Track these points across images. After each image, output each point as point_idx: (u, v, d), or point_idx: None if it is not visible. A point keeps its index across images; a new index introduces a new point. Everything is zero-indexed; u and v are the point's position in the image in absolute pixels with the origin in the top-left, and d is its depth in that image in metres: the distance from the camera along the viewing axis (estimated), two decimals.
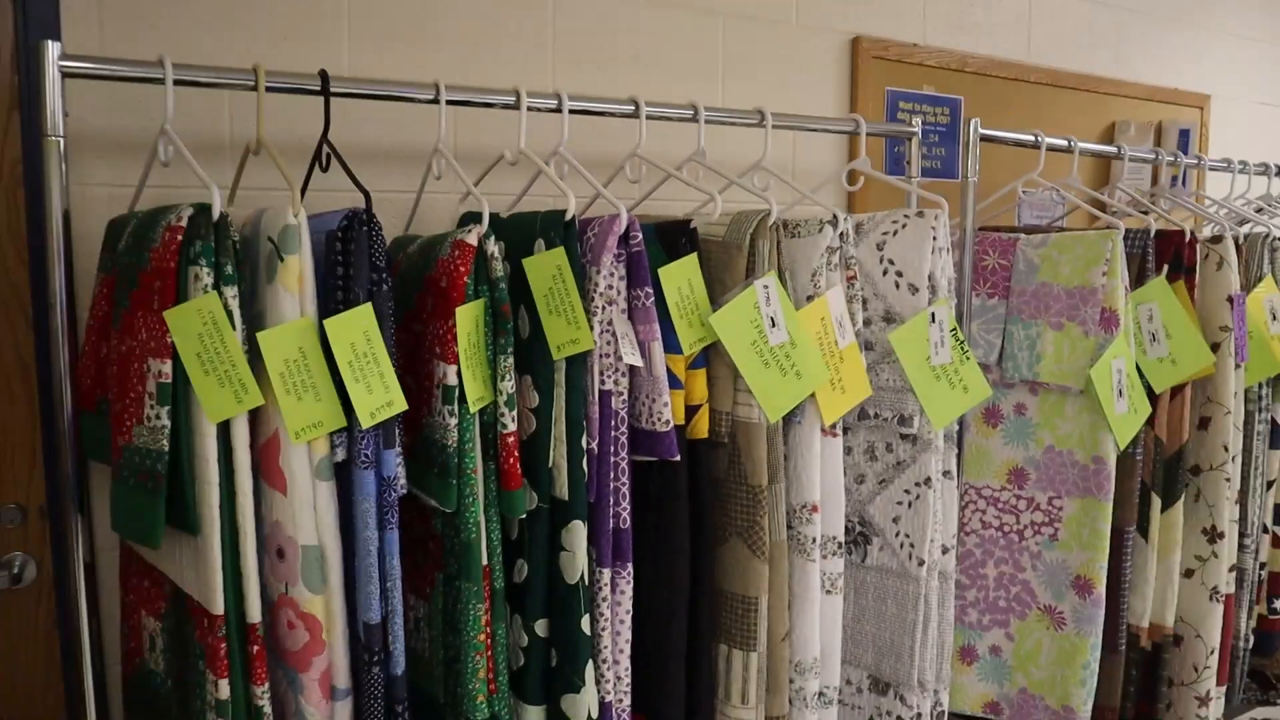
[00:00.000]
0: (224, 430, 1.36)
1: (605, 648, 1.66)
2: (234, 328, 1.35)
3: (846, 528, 2.10)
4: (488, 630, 1.56)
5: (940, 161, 2.63)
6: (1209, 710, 2.46)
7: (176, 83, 1.44)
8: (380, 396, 1.42)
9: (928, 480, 1.95)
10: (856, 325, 1.82)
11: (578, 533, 1.59)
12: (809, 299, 1.74)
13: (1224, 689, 2.54)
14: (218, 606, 1.35)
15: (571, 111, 1.75)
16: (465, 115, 1.99)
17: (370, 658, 1.46)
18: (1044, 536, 2.27)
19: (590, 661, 1.62)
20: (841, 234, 1.77)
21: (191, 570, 1.40)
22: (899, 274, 1.92)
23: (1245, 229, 2.54)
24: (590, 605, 1.63)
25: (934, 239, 1.90)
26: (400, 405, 1.44)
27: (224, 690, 1.38)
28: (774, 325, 1.67)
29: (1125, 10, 3.11)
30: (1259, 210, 2.77)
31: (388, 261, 1.46)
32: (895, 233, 1.92)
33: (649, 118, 1.82)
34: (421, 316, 1.56)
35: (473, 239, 1.50)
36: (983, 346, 2.29)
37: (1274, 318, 2.41)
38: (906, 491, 1.98)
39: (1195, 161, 2.67)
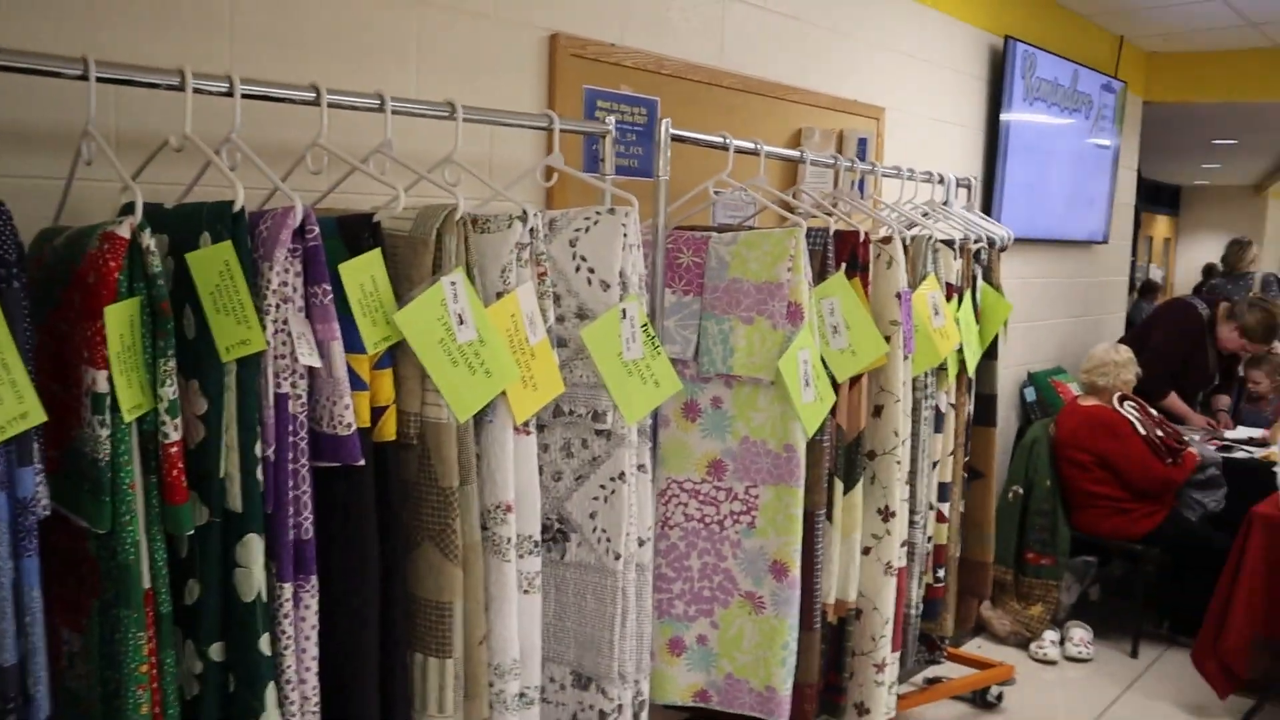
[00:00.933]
0: None
1: (289, 668, 1.55)
2: None
3: (545, 525, 2.09)
4: (152, 660, 1.42)
5: (637, 160, 2.68)
6: (885, 675, 2.65)
7: None
8: (12, 407, 1.26)
9: (622, 475, 1.97)
10: (549, 322, 1.81)
11: (254, 547, 1.48)
12: (499, 295, 1.70)
13: (898, 654, 2.75)
14: None
15: (245, 96, 1.63)
16: (129, 96, 1.81)
17: (5, 705, 1.30)
18: (743, 525, 2.36)
19: (272, 684, 1.52)
20: (532, 230, 1.75)
21: None
22: (591, 270, 1.92)
23: (914, 231, 2.75)
24: (270, 624, 1.52)
25: (625, 236, 1.93)
26: (38, 416, 1.28)
27: None
28: (462, 322, 1.63)
29: (811, 24, 3.30)
30: (925, 214, 3.01)
31: (20, 254, 1.30)
32: (588, 229, 1.93)
33: (332, 106, 1.73)
34: (69, 316, 1.41)
35: (124, 231, 1.37)
36: (679, 342, 2.35)
37: (936, 313, 2.63)
38: (602, 487, 2.00)
39: (871, 168, 2.87)
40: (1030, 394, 4.83)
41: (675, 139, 2.30)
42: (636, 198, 1.96)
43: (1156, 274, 14.07)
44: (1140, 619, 4.16)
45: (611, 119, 2.22)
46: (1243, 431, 4.87)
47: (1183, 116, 7.59)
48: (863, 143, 3.42)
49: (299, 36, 2.06)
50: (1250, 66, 5.81)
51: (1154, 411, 4.22)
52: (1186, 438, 4.29)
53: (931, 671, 3.72)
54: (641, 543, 2.10)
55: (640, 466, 2.06)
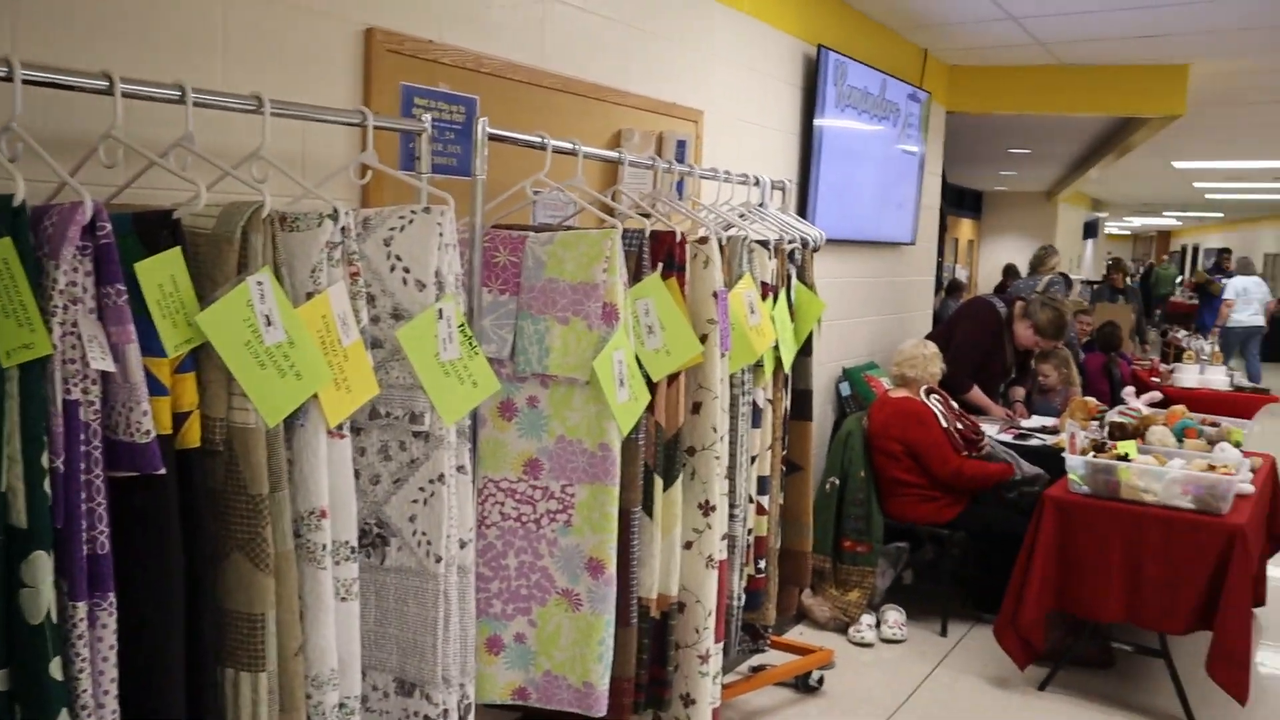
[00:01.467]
0: None
1: (85, 692, 1.47)
2: None
3: (364, 530, 2.05)
4: None
5: (456, 159, 2.65)
6: (709, 666, 2.71)
7: None
8: None
9: (441, 477, 1.95)
10: (362, 322, 1.77)
11: (41, 564, 1.40)
12: (309, 296, 1.66)
13: (722, 645, 2.82)
14: None
15: (28, 82, 1.53)
16: None
17: None
18: (559, 523, 2.37)
19: (65, 710, 1.43)
20: (343, 229, 1.71)
21: None
22: (406, 270, 1.90)
23: (730, 232, 2.83)
24: (62, 646, 1.44)
25: (441, 235, 1.91)
26: None
27: None
28: (270, 324, 1.58)
29: (633, 28, 3.34)
30: (741, 216, 3.10)
31: None
32: (402, 228, 1.90)
33: (127, 96, 1.64)
34: None
35: None
36: (495, 342, 2.34)
37: (752, 311, 2.70)
38: (421, 489, 1.97)
39: (689, 170, 2.93)
40: (845, 388, 5.03)
41: (493, 138, 2.29)
42: (454, 197, 1.94)
43: (962, 274, 14.89)
44: (948, 600, 4.39)
45: (428, 117, 2.19)
46: (1037, 420, 5.21)
47: (982, 126, 8.07)
48: (681, 145, 3.49)
49: (93, 18, 1.95)
50: (1039, 82, 6.23)
51: (956, 405, 4.46)
52: (987, 435, 4.55)
53: (756, 660, 3.82)
54: (463, 544, 2.09)
55: (460, 468, 2.04)
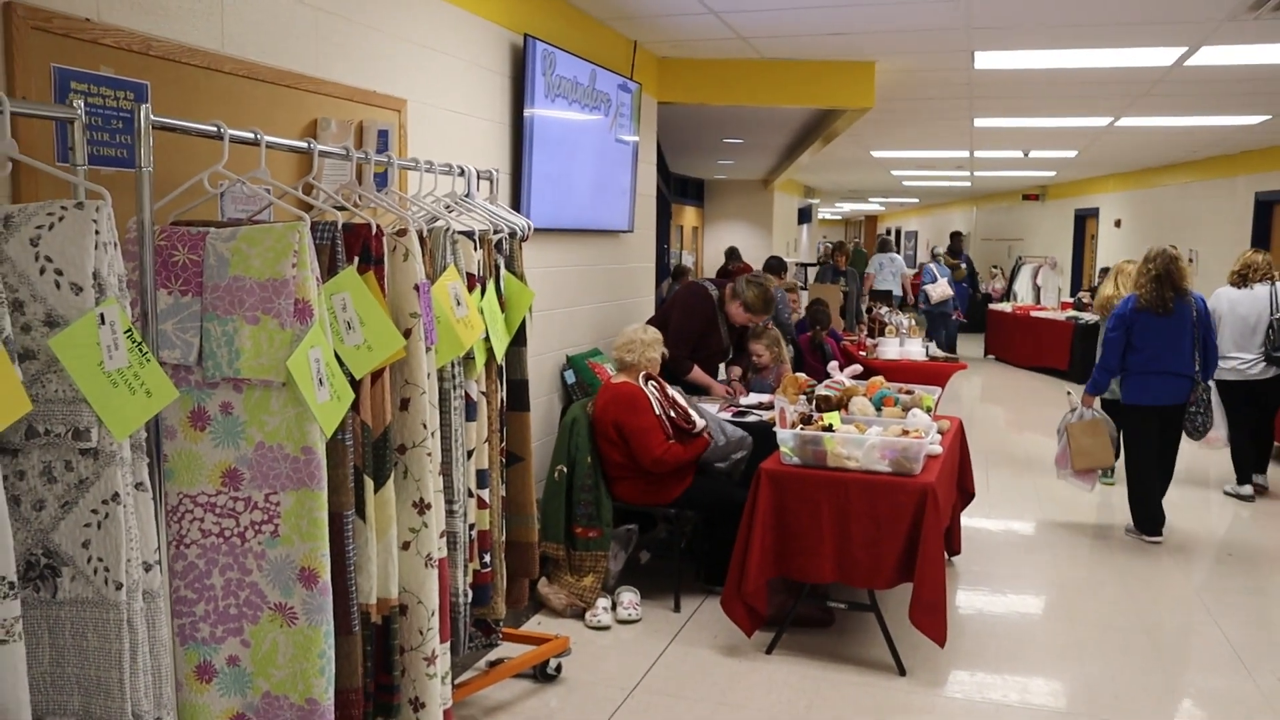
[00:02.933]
0: None
1: None
2: None
3: (30, 562, 1.85)
4: None
5: (126, 150, 2.43)
6: (436, 667, 2.65)
7: None
8: None
9: (116, 496, 1.79)
10: (5, 332, 1.59)
11: None
12: None
13: (448, 644, 2.76)
14: None
15: None
16: None
17: None
18: (266, 535, 2.23)
19: None
20: None
21: None
22: (59, 272, 1.72)
23: (440, 224, 2.77)
24: None
25: (97, 233, 1.74)
26: None
27: None
28: None
29: (325, 12, 3.19)
30: (447, 207, 3.04)
31: None
32: (51, 226, 1.72)
33: None
34: None
35: None
36: (180, 346, 2.18)
37: (458, 303, 2.66)
38: (94, 512, 1.80)
39: (386, 160, 2.84)
40: (570, 376, 5.07)
41: (161, 127, 2.12)
42: (122, 191, 1.78)
43: (688, 259, 15.42)
44: (679, 576, 4.52)
45: (81, 103, 2.00)
46: (754, 398, 5.45)
47: (697, 117, 8.36)
48: (384, 134, 3.38)
49: None
50: (743, 75, 6.51)
51: (673, 394, 4.57)
52: (701, 413, 4.68)
53: (495, 654, 3.79)
54: (148, 567, 1.93)
55: (139, 484, 1.89)
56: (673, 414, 4.39)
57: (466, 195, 3.20)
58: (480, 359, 2.86)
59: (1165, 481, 5.78)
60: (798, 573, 3.85)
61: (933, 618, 3.67)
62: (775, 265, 9.03)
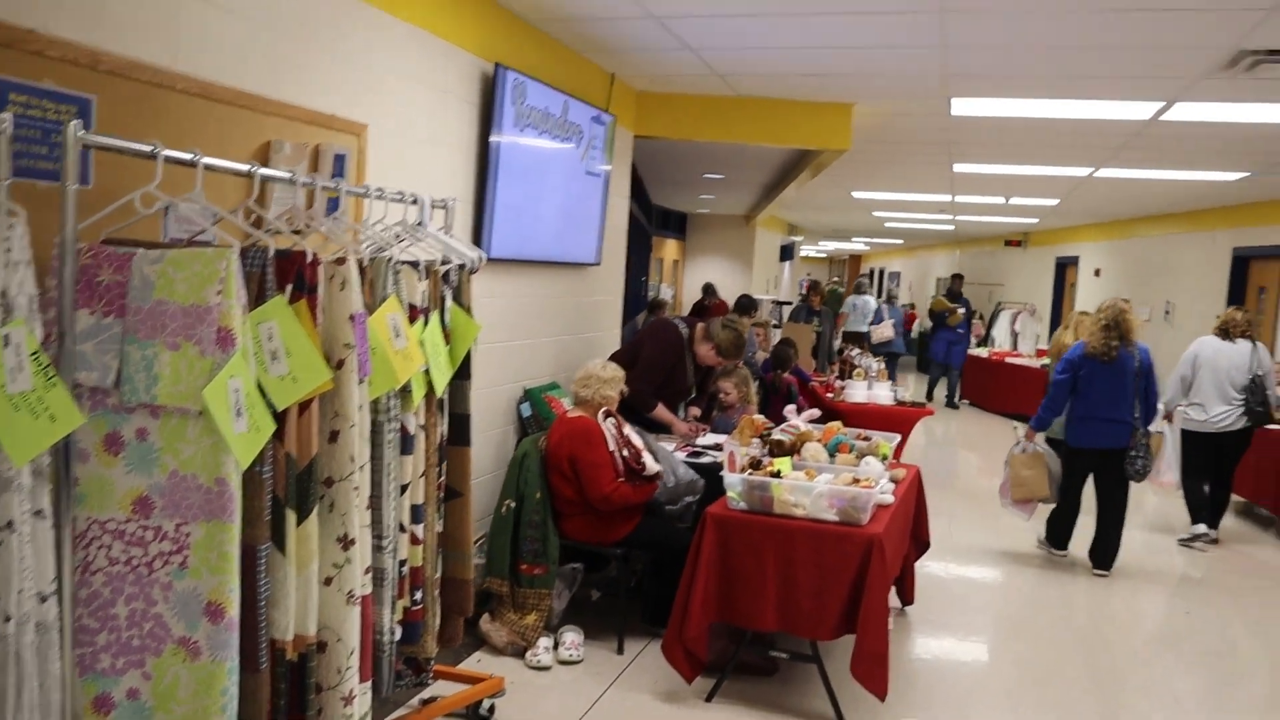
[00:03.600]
0: None
1: None
2: None
3: None
4: None
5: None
6: (354, 708, 2.58)
7: None
8: None
9: (10, 524, 1.74)
10: None
11: None
12: None
13: (369, 684, 2.69)
14: None
15: None
16: None
17: None
18: (174, 566, 2.17)
19: None
20: None
21: None
22: None
23: (387, 253, 2.72)
24: None
25: (9, 251, 1.70)
26: None
27: None
28: None
29: (284, 33, 3.15)
30: (399, 237, 3.00)
31: None
32: None
33: None
34: None
35: None
36: (99, 369, 2.12)
37: (397, 335, 2.61)
38: None
39: (334, 186, 2.79)
40: (526, 409, 5.02)
41: (92, 145, 2.08)
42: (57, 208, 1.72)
43: (667, 293, 15.42)
44: (624, 617, 4.45)
45: (9, 115, 1.95)
46: (714, 438, 5.40)
47: (679, 151, 8.37)
48: (340, 159, 3.33)
49: None
50: (720, 111, 6.52)
51: (629, 433, 4.51)
52: (657, 453, 4.61)
53: (430, 691, 3.71)
54: (43, 598, 1.87)
55: (38, 512, 1.83)
56: (625, 453, 4.34)
57: (419, 224, 3.16)
58: (419, 392, 2.81)
59: (1119, 520, 6.01)
60: (740, 619, 3.80)
61: (874, 670, 3.62)
62: (746, 304, 9.03)
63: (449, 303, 3.00)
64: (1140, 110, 5.98)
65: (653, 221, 14.38)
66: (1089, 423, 5.86)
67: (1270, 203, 9.76)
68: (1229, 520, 7.39)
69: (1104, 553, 5.96)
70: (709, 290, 13.11)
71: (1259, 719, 4.21)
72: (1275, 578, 6.37)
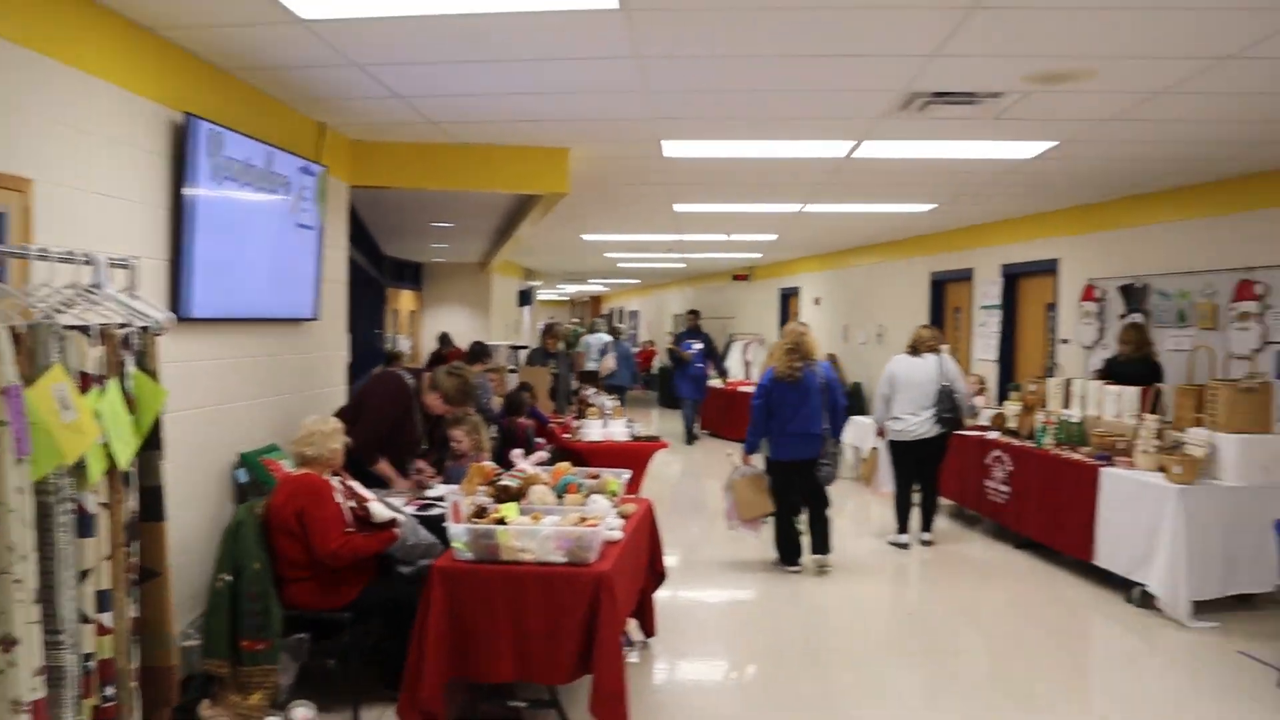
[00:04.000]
0: None
1: None
2: None
3: None
4: None
5: None
6: None
7: None
8: None
9: None
10: None
11: None
12: None
13: None
14: None
15: None
16: None
17: None
18: None
19: None
20: None
21: None
22: None
23: (51, 319, 2.49)
24: None
25: None
26: None
27: None
28: None
29: None
30: (69, 301, 2.75)
31: None
32: None
33: None
34: None
35: None
36: None
37: (65, 407, 2.39)
38: None
39: None
40: (243, 475, 4.74)
41: None
42: None
43: (405, 344, 15.11)
44: (359, 685, 4.26)
45: None
46: (444, 489, 5.28)
47: (404, 200, 8.24)
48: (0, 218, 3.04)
49: None
50: (437, 159, 6.46)
51: (355, 487, 4.36)
52: (397, 510, 4.46)
53: None
54: None
55: None
56: (353, 505, 4.18)
57: (95, 286, 2.92)
58: (98, 466, 2.58)
59: (824, 515, 6.70)
60: (476, 672, 3.72)
61: (614, 708, 3.63)
62: (478, 351, 8.99)
63: (131, 368, 2.78)
64: (835, 149, 6.41)
65: (385, 273, 14.08)
66: (784, 438, 6.52)
67: (958, 230, 10.74)
68: (941, 521, 8.04)
69: (821, 541, 6.68)
70: (444, 340, 12.96)
71: (981, 700, 4.53)
72: (984, 572, 6.96)
